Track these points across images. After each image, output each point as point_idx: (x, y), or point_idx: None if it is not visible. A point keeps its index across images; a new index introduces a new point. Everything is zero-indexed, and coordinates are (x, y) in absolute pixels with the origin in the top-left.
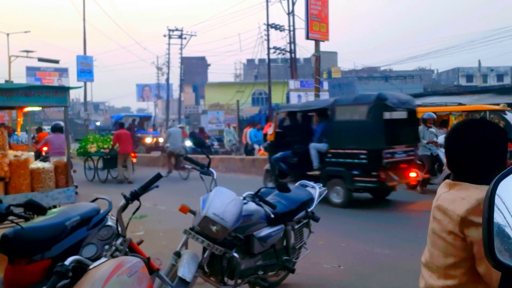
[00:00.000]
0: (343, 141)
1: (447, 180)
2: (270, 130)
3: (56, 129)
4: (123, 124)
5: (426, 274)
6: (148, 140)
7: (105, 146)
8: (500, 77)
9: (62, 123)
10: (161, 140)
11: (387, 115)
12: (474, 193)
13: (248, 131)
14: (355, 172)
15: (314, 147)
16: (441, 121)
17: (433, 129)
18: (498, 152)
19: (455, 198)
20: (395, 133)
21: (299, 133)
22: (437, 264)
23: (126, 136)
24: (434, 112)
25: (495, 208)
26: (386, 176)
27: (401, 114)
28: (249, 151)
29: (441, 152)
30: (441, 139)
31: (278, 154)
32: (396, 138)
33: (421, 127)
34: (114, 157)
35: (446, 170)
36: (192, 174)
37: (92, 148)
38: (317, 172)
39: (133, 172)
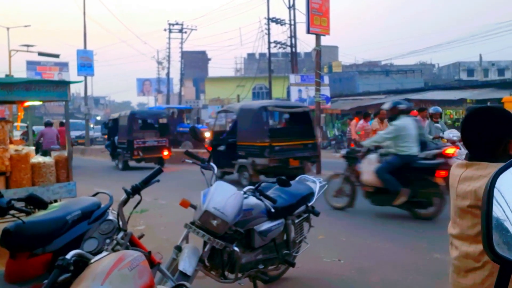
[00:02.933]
0: (121, 136)
1: (460, 162)
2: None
3: (48, 124)
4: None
5: (458, 243)
6: None
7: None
8: (501, 71)
9: (52, 120)
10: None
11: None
12: (491, 170)
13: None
14: (124, 151)
15: (115, 139)
16: None
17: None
18: (505, 134)
19: (473, 175)
20: (160, 131)
21: (113, 131)
22: (468, 233)
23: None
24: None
25: (494, 202)
26: (137, 153)
27: (162, 120)
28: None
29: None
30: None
31: (106, 143)
32: (160, 133)
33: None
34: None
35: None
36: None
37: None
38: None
39: None
